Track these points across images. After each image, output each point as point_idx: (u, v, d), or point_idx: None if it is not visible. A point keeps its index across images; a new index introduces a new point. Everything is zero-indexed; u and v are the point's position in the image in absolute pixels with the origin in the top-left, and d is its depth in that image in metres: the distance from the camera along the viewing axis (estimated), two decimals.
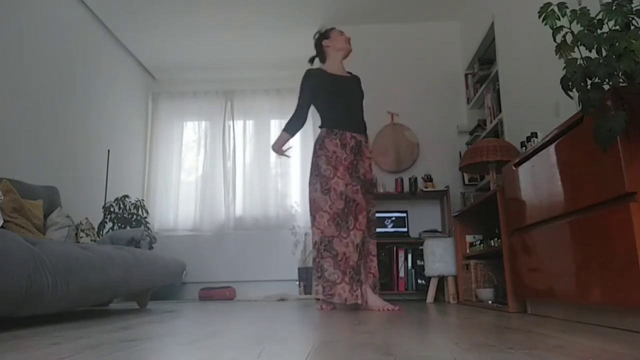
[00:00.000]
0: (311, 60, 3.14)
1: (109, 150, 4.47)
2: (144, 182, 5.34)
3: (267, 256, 4.95)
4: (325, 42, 3.06)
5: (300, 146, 5.33)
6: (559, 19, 1.54)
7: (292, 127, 2.95)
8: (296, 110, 2.95)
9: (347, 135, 2.86)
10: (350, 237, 2.68)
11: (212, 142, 5.41)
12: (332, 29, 3.12)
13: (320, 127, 2.93)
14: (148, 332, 1.55)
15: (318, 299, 2.80)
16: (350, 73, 3.12)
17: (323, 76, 2.97)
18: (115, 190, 4.48)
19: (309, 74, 2.99)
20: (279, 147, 2.97)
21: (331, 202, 2.71)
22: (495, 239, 2.69)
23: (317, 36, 3.12)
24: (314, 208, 2.76)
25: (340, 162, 2.78)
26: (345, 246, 2.66)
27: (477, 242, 3.06)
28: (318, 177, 2.78)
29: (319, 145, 2.85)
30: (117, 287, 2.36)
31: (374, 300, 2.66)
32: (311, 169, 2.86)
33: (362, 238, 2.71)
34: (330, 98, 2.93)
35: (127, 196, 4.24)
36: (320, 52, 3.09)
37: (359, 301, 2.59)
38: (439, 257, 3.40)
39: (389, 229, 4.11)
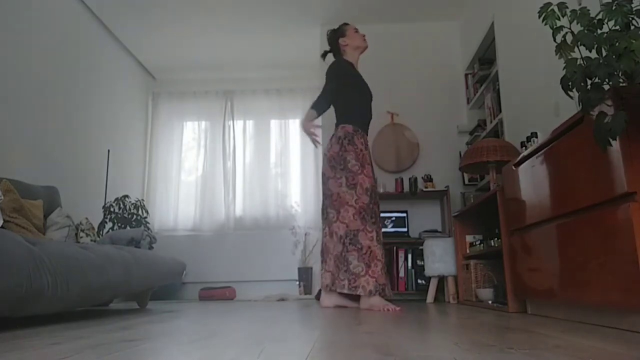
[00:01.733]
0: (324, 55, 3.12)
1: (109, 150, 4.47)
2: (144, 182, 5.34)
3: (267, 256, 4.96)
4: (342, 41, 3.04)
5: (301, 145, 5.34)
6: (559, 19, 1.54)
7: (320, 107, 2.91)
8: (324, 92, 2.92)
9: (366, 138, 2.96)
10: (376, 231, 2.74)
11: (212, 142, 5.41)
12: (346, 25, 3.08)
13: (343, 123, 2.91)
14: (148, 332, 1.55)
15: (317, 298, 2.82)
16: None
17: (352, 69, 3.00)
18: (115, 190, 4.48)
19: (340, 62, 2.99)
20: (308, 123, 2.91)
21: (357, 197, 2.76)
22: (495, 239, 2.69)
23: (330, 33, 3.09)
24: (339, 202, 2.78)
25: (366, 160, 2.84)
26: (370, 240, 2.71)
27: (477, 242, 3.06)
28: (344, 172, 2.80)
29: (348, 140, 2.85)
30: (117, 287, 2.35)
31: (375, 299, 2.67)
32: (334, 163, 2.84)
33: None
34: (358, 96, 2.96)
35: (127, 196, 4.24)
36: (337, 49, 3.07)
37: (390, 294, 2.71)
38: (439, 257, 3.40)
39: (389, 229, 4.11)
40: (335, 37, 3.06)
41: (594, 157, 1.56)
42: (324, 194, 2.91)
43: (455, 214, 3.36)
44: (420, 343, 1.19)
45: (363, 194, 2.75)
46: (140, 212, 4.25)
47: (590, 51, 1.46)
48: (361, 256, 2.69)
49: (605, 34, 1.41)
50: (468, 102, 4.38)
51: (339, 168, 2.81)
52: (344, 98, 2.96)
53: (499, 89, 3.54)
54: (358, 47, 3.04)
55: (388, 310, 2.54)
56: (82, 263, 2.03)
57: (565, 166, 1.76)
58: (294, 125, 5.40)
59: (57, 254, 1.88)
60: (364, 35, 3.07)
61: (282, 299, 4.26)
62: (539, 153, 2.00)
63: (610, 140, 1.35)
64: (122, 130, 4.86)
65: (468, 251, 3.22)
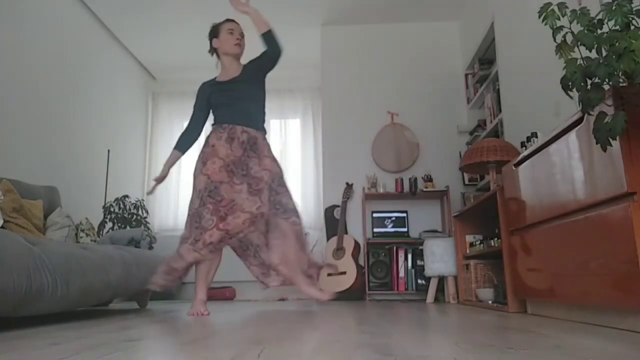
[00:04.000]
0: (211, 51, 2.85)
1: (109, 150, 4.47)
2: (144, 182, 5.33)
3: None
4: (214, 42, 2.75)
5: (301, 145, 5.33)
6: (559, 19, 1.54)
7: (181, 144, 2.76)
8: (187, 124, 2.78)
9: (238, 129, 2.59)
10: (204, 238, 2.43)
11: None
12: (226, 22, 2.76)
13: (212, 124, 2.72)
14: (148, 332, 1.55)
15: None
16: (250, 61, 2.79)
17: (215, 85, 2.74)
18: (115, 190, 4.48)
19: (201, 86, 2.78)
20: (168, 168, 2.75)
21: (191, 202, 2.52)
22: (495, 239, 2.69)
23: (210, 29, 2.80)
24: None
25: (215, 154, 2.53)
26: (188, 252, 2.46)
27: (477, 242, 3.06)
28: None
29: (205, 141, 2.65)
30: (117, 287, 2.36)
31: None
32: None
33: (226, 236, 2.47)
34: (222, 103, 2.68)
35: (127, 196, 4.24)
36: (213, 51, 2.81)
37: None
38: (439, 257, 3.40)
39: (389, 229, 4.11)
40: (210, 35, 2.78)
41: (594, 157, 1.56)
42: None
43: (455, 214, 3.36)
44: (420, 343, 1.19)
45: (196, 197, 2.49)
46: (140, 212, 4.25)
47: (590, 51, 1.46)
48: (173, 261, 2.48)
49: (605, 34, 1.41)
50: (468, 102, 4.38)
51: None
52: (213, 111, 2.75)
53: (499, 89, 3.54)
54: (226, 53, 2.72)
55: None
56: (82, 263, 2.03)
57: (566, 166, 1.76)
58: (294, 125, 5.41)
59: (57, 254, 1.88)
60: (237, 40, 2.72)
61: (282, 299, 4.26)
62: (539, 153, 2.00)
63: (610, 140, 1.34)
64: (122, 130, 4.86)
65: (468, 251, 3.22)
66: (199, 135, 2.79)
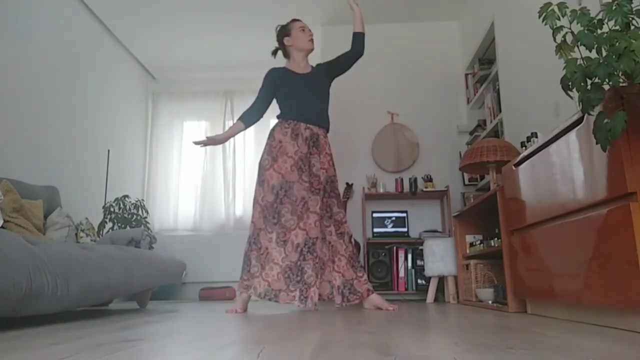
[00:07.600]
0: (274, 53, 2.98)
1: (109, 150, 4.47)
2: (144, 182, 5.34)
3: None
4: (286, 41, 2.88)
5: None
6: (559, 19, 1.54)
7: (246, 117, 2.83)
8: (253, 102, 2.87)
9: (302, 126, 2.74)
10: (277, 233, 2.59)
11: None
12: (294, 21, 2.90)
13: (277, 117, 2.84)
14: (148, 332, 1.55)
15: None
16: (319, 64, 2.95)
17: (286, 74, 2.84)
18: (115, 190, 4.48)
19: (270, 71, 2.86)
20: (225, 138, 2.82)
21: (263, 194, 2.64)
22: (495, 239, 2.69)
23: (278, 30, 2.93)
24: (253, 199, 2.70)
25: (284, 152, 2.66)
26: (268, 241, 2.61)
27: (477, 242, 3.06)
28: (259, 168, 2.73)
29: (269, 136, 2.78)
30: (117, 287, 2.35)
31: (373, 300, 2.67)
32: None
33: (309, 239, 2.56)
34: (291, 92, 2.80)
35: (127, 196, 4.24)
36: (283, 49, 2.94)
37: (296, 302, 2.48)
38: (439, 257, 3.40)
39: (389, 229, 4.11)
40: (280, 35, 2.91)
41: (594, 157, 1.56)
42: None
43: (455, 214, 3.36)
44: (420, 343, 1.19)
45: (269, 191, 2.62)
46: (140, 212, 4.25)
47: (590, 51, 1.46)
48: (259, 256, 2.60)
49: (605, 34, 1.41)
50: (468, 102, 4.38)
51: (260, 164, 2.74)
52: (279, 101, 2.87)
53: (499, 89, 3.54)
54: (301, 49, 2.86)
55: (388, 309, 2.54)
56: (82, 263, 2.03)
57: (566, 166, 1.76)
58: None
59: (57, 254, 1.88)
60: (310, 35, 2.87)
61: None
62: (539, 153, 2.00)
63: (610, 140, 1.34)
64: (122, 131, 4.86)
65: (468, 251, 3.22)
66: (260, 117, 2.89)
